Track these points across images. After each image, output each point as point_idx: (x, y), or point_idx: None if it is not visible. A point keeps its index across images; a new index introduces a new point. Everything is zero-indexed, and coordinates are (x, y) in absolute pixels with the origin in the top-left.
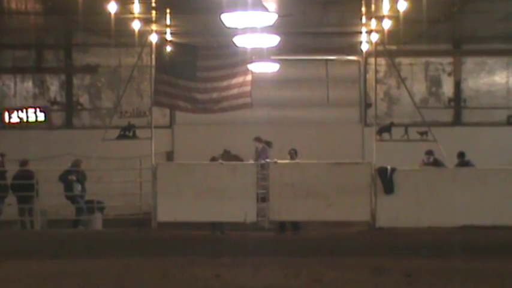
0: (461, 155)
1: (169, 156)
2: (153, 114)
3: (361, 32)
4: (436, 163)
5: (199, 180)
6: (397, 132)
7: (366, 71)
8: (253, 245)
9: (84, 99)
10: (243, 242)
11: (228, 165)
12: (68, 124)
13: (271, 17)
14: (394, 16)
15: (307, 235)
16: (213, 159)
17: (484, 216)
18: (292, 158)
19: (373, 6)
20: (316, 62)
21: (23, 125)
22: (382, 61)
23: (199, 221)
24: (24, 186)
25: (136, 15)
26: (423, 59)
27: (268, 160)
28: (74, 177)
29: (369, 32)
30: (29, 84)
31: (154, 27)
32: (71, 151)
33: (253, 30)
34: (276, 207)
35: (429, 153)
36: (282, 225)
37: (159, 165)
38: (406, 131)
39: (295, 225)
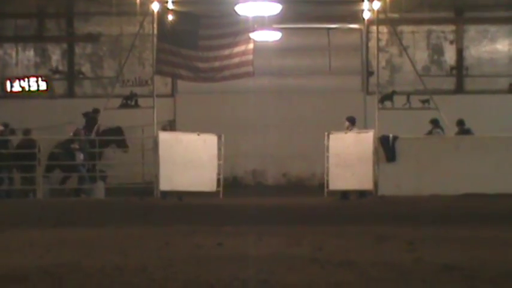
0: (460, 122)
1: (172, 124)
2: (155, 83)
3: (363, 0)
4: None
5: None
6: (399, 100)
7: (367, 39)
8: (257, 214)
9: (86, 68)
10: (246, 211)
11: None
12: (70, 93)
13: None
14: None
15: (308, 204)
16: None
17: (487, 184)
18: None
19: None
20: (318, 31)
21: (24, 94)
22: (384, 29)
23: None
24: (26, 155)
25: None
26: (425, 27)
27: None
28: (76, 146)
29: (371, 0)
30: (30, 53)
31: None
32: (73, 120)
33: None
34: None
35: (433, 121)
36: (344, 194)
37: (161, 134)
38: (408, 99)
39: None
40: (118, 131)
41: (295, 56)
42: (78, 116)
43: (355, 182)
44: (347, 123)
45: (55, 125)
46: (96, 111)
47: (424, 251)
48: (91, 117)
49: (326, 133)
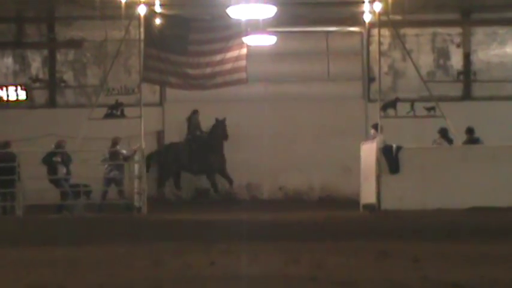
0: (470, 131)
1: (160, 136)
2: (142, 91)
3: (363, 1)
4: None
5: None
6: (403, 108)
7: (369, 43)
8: (251, 230)
9: (68, 76)
10: (240, 228)
11: None
12: (51, 103)
13: None
14: None
15: (307, 219)
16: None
17: (496, 197)
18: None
19: None
20: (315, 34)
21: (3, 104)
22: (386, 32)
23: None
24: (5, 169)
25: None
26: (430, 30)
27: None
28: (58, 159)
29: (372, 1)
30: (8, 61)
31: None
32: (55, 132)
33: (248, 0)
34: None
35: (441, 131)
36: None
37: None
38: (412, 107)
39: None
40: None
41: (292, 62)
42: (60, 127)
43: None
44: (373, 130)
45: (36, 136)
46: None
47: (431, 268)
48: None
49: (361, 143)
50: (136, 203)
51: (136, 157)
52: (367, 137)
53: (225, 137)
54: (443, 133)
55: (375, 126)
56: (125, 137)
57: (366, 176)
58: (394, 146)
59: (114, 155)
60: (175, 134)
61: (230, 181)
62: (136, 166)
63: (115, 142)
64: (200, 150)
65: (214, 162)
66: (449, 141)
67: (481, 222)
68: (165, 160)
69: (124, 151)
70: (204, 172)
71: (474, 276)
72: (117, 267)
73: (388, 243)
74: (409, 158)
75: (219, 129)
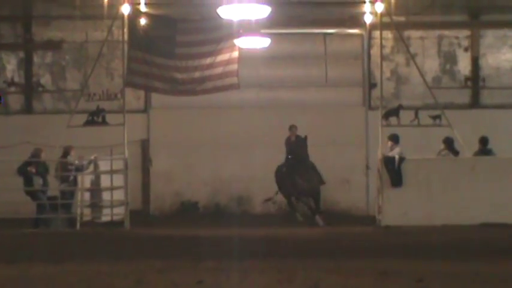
0: (483, 141)
1: (145, 145)
2: (125, 96)
3: (364, 1)
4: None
5: None
6: (406, 116)
7: (370, 46)
8: (242, 247)
9: (45, 79)
10: (229, 244)
11: None
12: (28, 108)
13: None
14: None
15: (302, 235)
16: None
17: (507, 213)
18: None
19: None
20: (313, 36)
21: None
22: (388, 34)
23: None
24: None
25: None
26: (436, 32)
27: None
28: (33, 169)
29: (374, 1)
30: None
31: None
32: (31, 140)
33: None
34: None
35: (449, 142)
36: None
37: None
38: (416, 115)
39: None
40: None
41: (287, 66)
42: (37, 135)
43: None
44: (390, 142)
45: (10, 145)
46: None
47: None
48: None
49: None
50: (104, 217)
51: (92, 167)
52: (368, 148)
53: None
54: (449, 143)
55: (392, 138)
56: (107, 145)
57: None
58: (397, 157)
59: (63, 165)
60: (161, 142)
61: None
62: (96, 177)
63: (66, 151)
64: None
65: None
66: (455, 152)
67: (491, 239)
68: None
69: (76, 161)
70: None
71: None
72: (98, 286)
73: (390, 262)
74: (413, 170)
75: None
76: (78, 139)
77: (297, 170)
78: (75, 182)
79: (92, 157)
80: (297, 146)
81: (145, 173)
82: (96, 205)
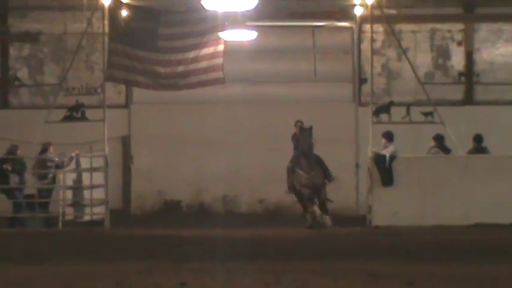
0: (478, 138)
1: (126, 141)
2: (105, 91)
3: None
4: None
5: None
6: (398, 112)
7: (360, 40)
8: (227, 248)
9: (22, 73)
10: (214, 245)
11: None
12: (4, 103)
13: None
14: None
15: (290, 236)
16: None
17: (501, 213)
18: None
19: None
20: (301, 29)
21: None
22: (379, 28)
23: None
24: None
25: None
26: (428, 26)
27: None
28: (9, 167)
29: None
30: None
31: None
32: (7, 136)
33: None
34: None
35: (439, 139)
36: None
37: None
38: (407, 112)
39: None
40: None
41: (274, 60)
42: (13, 131)
43: None
44: (383, 140)
45: None
46: None
47: None
48: None
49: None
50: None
51: (73, 164)
52: (358, 145)
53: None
54: (439, 140)
55: (386, 135)
56: (87, 142)
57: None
58: (388, 155)
59: (41, 162)
60: (143, 139)
61: None
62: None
63: (44, 148)
64: None
65: None
66: (445, 150)
67: (484, 240)
68: None
69: (56, 158)
70: None
71: None
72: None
73: (379, 264)
74: (405, 169)
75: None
76: (56, 135)
77: (300, 162)
78: (54, 179)
79: (73, 154)
80: (300, 138)
81: (126, 171)
82: (78, 204)
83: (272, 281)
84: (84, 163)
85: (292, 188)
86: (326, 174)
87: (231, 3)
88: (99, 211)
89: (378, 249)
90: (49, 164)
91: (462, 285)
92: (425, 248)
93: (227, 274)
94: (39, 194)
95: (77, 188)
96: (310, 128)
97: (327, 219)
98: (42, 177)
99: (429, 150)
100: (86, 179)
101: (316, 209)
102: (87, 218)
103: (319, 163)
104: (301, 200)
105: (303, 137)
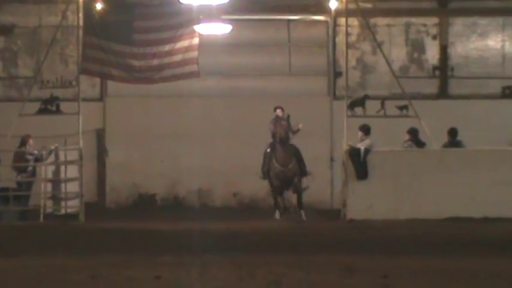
0: (452, 132)
1: (101, 134)
2: (80, 84)
3: None
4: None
5: None
6: (372, 106)
7: (335, 34)
8: (201, 241)
9: None
10: (188, 238)
11: None
12: None
13: None
14: None
15: (265, 229)
16: None
17: (474, 207)
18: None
19: None
20: (275, 23)
21: None
22: (354, 22)
23: None
24: None
25: None
26: (403, 20)
27: None
28: None
29: None
30: None
31: None
32: None
33: None
34: None
35: (413, 133)
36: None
37: None
38: (382, 105)
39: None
40: None
41: (249, 53)
42: None
43: None
44: (360, 133)
45: None
46: None
47: (400, 286)
48: None
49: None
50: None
51: (52, 158)
52: (332, 139)
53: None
54: (414, 134)
55: (363, 129)
56: (61, 135)
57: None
58: (362, 148)
59: (20, 155)
60: (118, 132)
61: None
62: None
63: (24, 141)
64: None
65: None
66: (420, 144)
67: (458, 234)
68: None
69: (35, 151)
70: None
71: None
72: (50, 282)
73: (354, 257)
74: (379, 163)
75: None
76: (30, 128)
77: (276, 152)
78: (33, 173)
79: (53, 147)
80: (277, 126)
81: (100, 164)
82: (56, 197)
83: (247, 274)
84: (59, 156)
85: (266, 174)
86: (301, 169)
87: None
88: (73, 204)
89: (353, 243)
90: (28, 157)
91: (436, 279)
92: (400, 242)
93: (202, 267)
94: (19, 188)
95: (56, 181)
96: (288, 117)
97: (302, 214)
98: (21, 170)
99: (403, 143)
100: (61, 172)
101: (286, 201)
102: (62, 211)
103: (295, 155)
104: (272, 190)
105: (279, 125)
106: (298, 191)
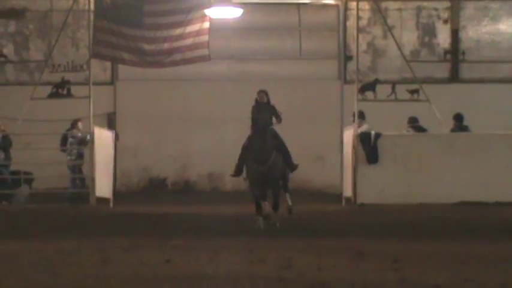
0: (458, 117)
1: (111, 118)
2: (91, 68)
3: None
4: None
5: None
6: (383, 90)
7: (346, 18)
8: (212, 225)
9: (8, 49)
10: (199, 222)
11: None
12: None
13: None
14: None
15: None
16: None
17: (486, 191)
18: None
19: None
20: (286, 7)
21: None
22: (365, 5)
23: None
24: None
25: None
26: (414, 3)
27: None
28: None
29: None
30: None
31: None
32: None
33: None
34: None
35: (412, 121)
36: None
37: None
38: (393, 89)
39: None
40: None
41: (259, 37)
42: None
43: None
44: (357, 120)
45: None
46: None
47: (410, 270)
48: None
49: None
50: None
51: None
52: (343, 123)
53: None
54: (412, 122)
55: (358, 115)
56: (72, 118)
57: (347, 166)
58: (373, 133)
59: (63, 138)
60: (128, 116)
61: None
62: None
63: (74, 123)
64: None
65: None
66: (420, 130)
67: (468, 218)
68: None
69: (79, 134)
70: None
71: (458, 279)
72: (63, 264)
73: (364, 242)
74: (390, 147)
75: None
76: (41, 112)
77: (253, 146)
78: (79, 155)
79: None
80: (256, 113)
81: None
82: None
83: (257, 259)
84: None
85: (238, 172)
86: (287, 162)
87: None
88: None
89: (363, 227)
90: (71, 140)
91: (447, 263)
92: (411, 226)
93: (212, 251)
94: (72, 171)
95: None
96: (268, 103)
97: (288, 199)
98: (67, 153)
99: (403, 131)
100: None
101: (267, 206)
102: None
103: (278, 146)
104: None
105: (258, 111)
106: (278, 192)
